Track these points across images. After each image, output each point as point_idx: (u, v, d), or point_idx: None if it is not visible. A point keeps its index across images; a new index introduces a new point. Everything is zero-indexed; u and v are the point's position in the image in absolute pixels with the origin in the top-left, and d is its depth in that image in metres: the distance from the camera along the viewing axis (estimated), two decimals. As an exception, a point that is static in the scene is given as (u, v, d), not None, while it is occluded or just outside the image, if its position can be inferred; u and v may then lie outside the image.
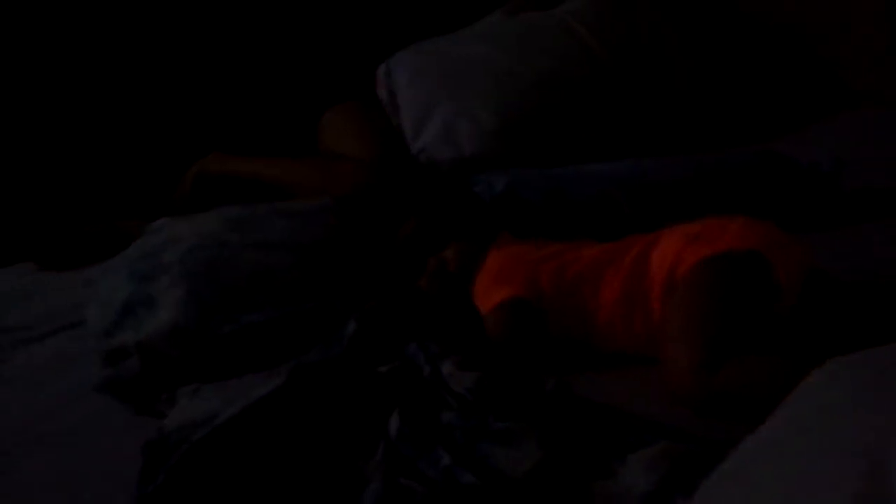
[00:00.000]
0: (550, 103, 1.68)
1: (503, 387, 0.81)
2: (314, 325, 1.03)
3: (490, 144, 1.63)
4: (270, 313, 1.05)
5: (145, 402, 1.01)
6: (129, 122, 1.80)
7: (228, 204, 1.32)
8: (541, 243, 1.10)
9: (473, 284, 1.07)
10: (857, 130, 1.74)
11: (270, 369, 0.90)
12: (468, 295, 1.07)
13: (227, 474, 0.76)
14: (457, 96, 1.68)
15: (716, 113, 1.78)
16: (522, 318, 1.00)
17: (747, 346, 0.87)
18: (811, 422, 0.47)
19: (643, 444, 0.73)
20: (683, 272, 0.93)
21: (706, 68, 1.84)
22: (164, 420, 0.87)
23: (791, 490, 0.43)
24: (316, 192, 1.42)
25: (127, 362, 1.06)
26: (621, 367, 0.96)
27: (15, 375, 1.20)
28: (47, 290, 1.49)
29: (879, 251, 1.17)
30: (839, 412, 0.46)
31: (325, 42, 1.89)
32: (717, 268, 0.91)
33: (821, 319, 0.94)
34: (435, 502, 0.68)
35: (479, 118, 1.65)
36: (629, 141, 1.66)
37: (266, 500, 0.75)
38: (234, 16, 1.84)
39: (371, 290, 1.11)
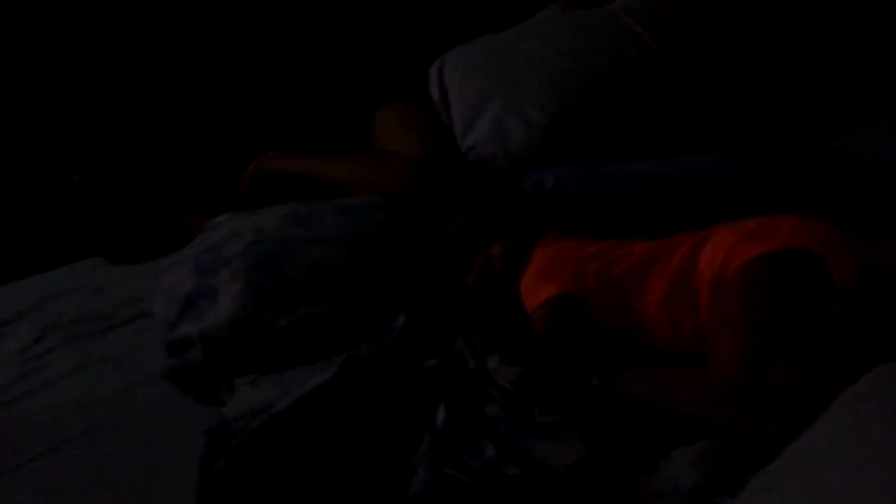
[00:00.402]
0: (602, 101, 1.66)
1: (547, 381, 0.83)
2: (366, 318, 1.06)
3: (540, 142, 1.63)
4: (325, 307, 1.09)
5: (206, 391, 1.06)
6: (194, 122, 1.88)
7: (285, 201, 1.37)
8: (587, 241, 1.11)
9: (520, 281, 1.08)
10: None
11: (324, 361, 0.94)
12: (514, 291, 1.08)
13: (282, 460, 0.80)
14: (508, 94, 1.69)
15: (773, 109, 1.73)
16: (568, 315, 1.00)
17: (798, 345, 0.86)
18: (852, 433, 0.47)
19: (688, 441, 0.74)
20: (733, 270, 0.92)
21: (765, 63, 1.78)
22: (223, 408, 0.91)
23: (838, 492, 0.44)
24: (370, 189, 1.45)
25: (189, 352, 1.12)
26: (667, 365, 0.96)
27: (88, 363, 1.27)
28: (117, 283, 1.57)
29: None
30: (880, 427, 0.45)
31: (379, 41, 1.92)
32: (769, 266, 0.90)
33: (874, 320, 0.92)
34: (480, 493, 0.70)
35: (530, 116, 1.65)
36: (684, 139, 1.62)
37: (318, 485, 0.79)
38: (293, 15, 1.89)
39: (420, 285, 1.13)
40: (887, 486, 0.41)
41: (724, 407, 0.84)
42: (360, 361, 0.88)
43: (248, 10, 1.86)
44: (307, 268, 1.15)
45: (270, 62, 1.88)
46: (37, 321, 1.45)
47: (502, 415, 0.79)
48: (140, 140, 1.86)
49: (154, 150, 1.86)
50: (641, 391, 0.87)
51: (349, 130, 1.79)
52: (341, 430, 0.82)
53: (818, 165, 1.29)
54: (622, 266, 1.02)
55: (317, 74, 1.90)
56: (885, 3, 1.83)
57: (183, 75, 1.85)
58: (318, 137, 1.81)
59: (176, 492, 0.84)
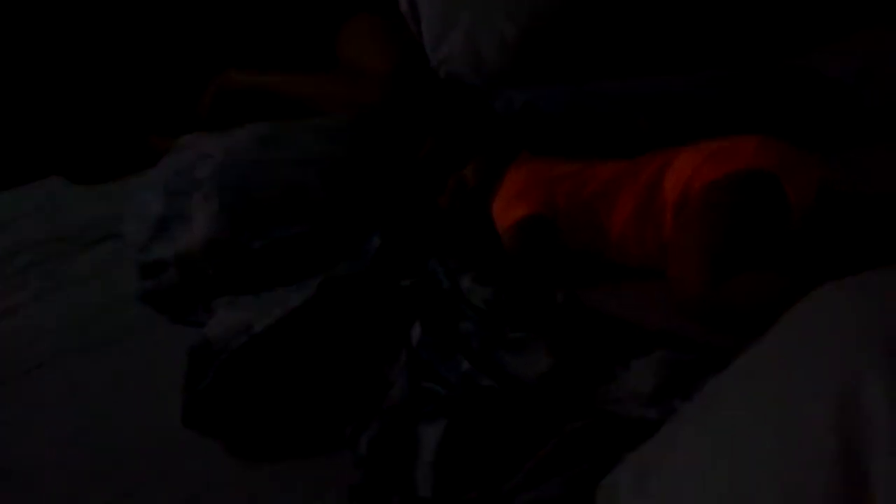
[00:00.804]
0: (575, 13, 1.63)
1: (517, 299, 0.87)
2: (341, 239, 1.08)
3: (512, 57, 1.61)
4: (300, 228, 1.10)
5: (182, 313, 1.08)
6: (153, 37, 1.79)
7: (250, 118, 1.34)
8: (559, 161, 1.13)
9: (492, 201, 1.11)
10: (890, 46, 1.68)
11: (300, 282, 0.96)
12: (487, 212, 1.10)
13: (265, 377, 0.83)
14: (479, 6, 1.65)
15: (741, 26, 1.72)
16: (538, 235, 1.04)
17: (756, 262, 0.91)
18: (798, 346, 0.51)
19: (646, 352, 0.79)
20: (695, 191, 0.96)
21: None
22: (204, 328, 0.94)
23: (772, 404, 0.48)
24: (339, 107, 1.43)
25: (164, 275, 1.13)
26: (631, 281, 1.00)
27: (57, 286, 1.27)
28: (80, 204, 1.54)
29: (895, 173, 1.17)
30: (823, 339, 0.50)
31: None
32: (727, 187, 0.94)
33: (831, 236, 0.97)
34: (455, 402, 0.75)
35: (502, 29, 1.62)
36: (655, 55, 1.62)
37: (300, 400, 0.83)
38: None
39: (394, 206, 1.15)
40: (818, 398, 0.45)
41: (683, 320, 0.89)
42: (337, 282, 0.90)
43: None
44: (280, 189, 1.15)
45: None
46: (5, 240, 1.43)
47: (475, 331, 0.83)
48: (98, 57, 1.78)
49: (113, 67, 1.79)
50: (606, 306, 0.91)
51: (315, 44, 1.74)
52: (321, 348, 0.85)
53: (783, 82, 1.31)
54: (591, 187, 1.05)
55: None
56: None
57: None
58: (283, 52, 1.76)
59: (160, 409, 0.88)
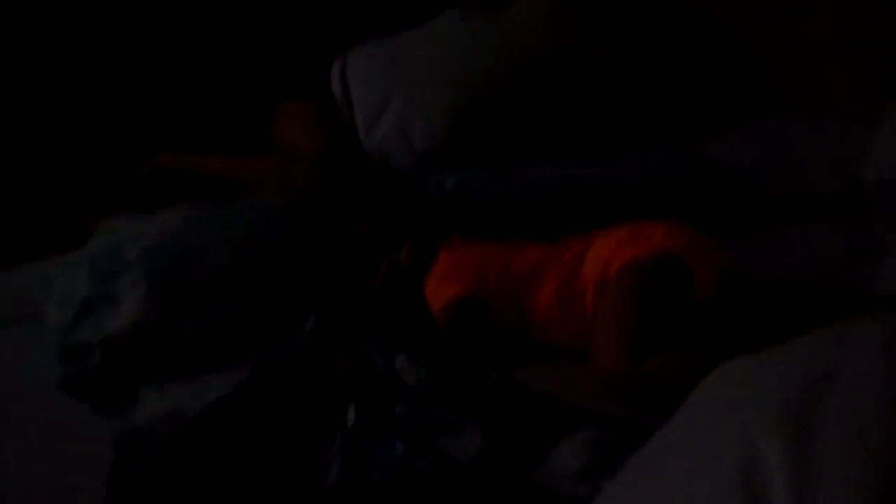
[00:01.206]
0: (500, 103, 1.75)
1: (451, 380, 0.89)
2: (274, 321, 1.09)
3: (442, 142, 1.70)
4: (233, 308, 1.10)
5: (105, 401, 1.04)
6: (83, 116, 1.79)
7: (178, 199, 1.35)
8: (487, 244, 1.19)
9: (425, 283, 1.15)
10: (782, 135, 1.88)
11: (232, 365, 0.96)
12: (420, 293, 1.14)
13: (197, 465, 0.81)
14: (409, 94, 1.74)
15: (657, 113, 1.90)
16: (468, 315, 1.08)
17: (669, 340, 0.97)
18: (702, 421, 0.57)
19: (575, 430, 0.83)
20: (612, 274, 1.03)
21: (648, 68, 1.95)
22: (130, 416, 0.91)
23: (683, 477, 0.53)
24: (272, 188, 1.46)
25: (87, 358, 1.09)
26: (558, 360, 1.05)
27: None
28: (-3, 285, 1.48)
29: (792, 253, 1.30)
30: (724, 413, 0.55)
31: (280, 37, 1.91)
32: (642, 271, 1.01)
33: (734, 316, 1.06)
34: (391, 486, 0.76)
35: (431, 115, 1.71)
36: (574, 140, 1.75)
37: (234, 486, 0.82)
38: (191, 10, 1.84)
39: (328, 288, 1.17)
40: (722, 467, 0.50)
41: (608, 398, 0.94)
42: (272, 364, 0.91)
43: (143, 4, 1.79)
44: (213, 271, 1.15)
45: (165, 56, 1.82)
46: None
47: (410, 413, 0.85)
48: (21, 133, 1.75)
49: (36, 142, 1.76)
50: (535, 384, 0.95)
51: (250, 126, 1.77)
52: (255, 433, 0.85)
53: (686, 172, 1.44)
54: (517, 269, 1.11)
55: (216, 67, 1.86)
56: (753, 14, 2.04)
57: (74, 66, 1.76)
58: (217, 133, 1.78)
59: (87, 499, 0.84)
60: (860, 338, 0.57)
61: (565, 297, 1.07)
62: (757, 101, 2.05)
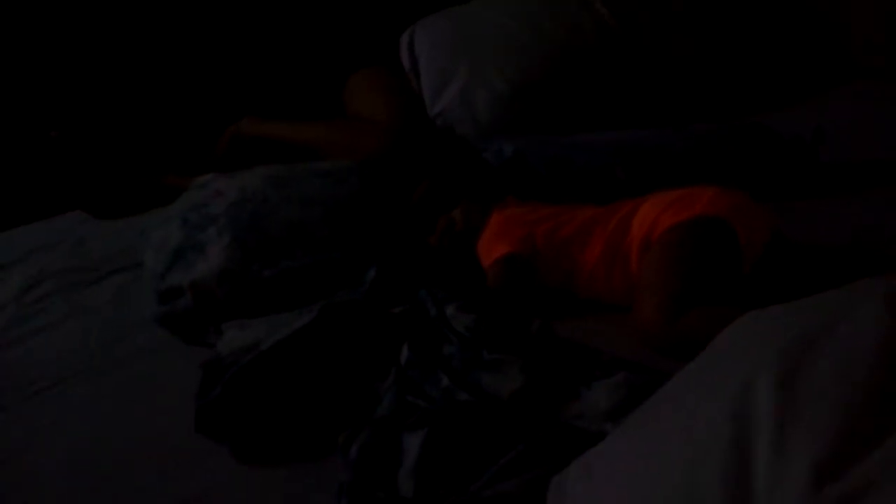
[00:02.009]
0: (561, 72, 1.78)
1: (496, 326, 0.97)
2: (341, 271, 1.19)
3: (503, 110, 1.75)
4: (305, 260, 1.21)
5: (195, 335, 1.18)
6: (173, 84, 1.93)
7: (261, 162, 1.47)
8: (539, 206, 1.25)
9: (479, 240, 1.22)
10: (856, 103, 1.82)
11: (304, 307, 1.07)
12: (472, 250, 1.22)
13: (270, 390, 0.93)
14: (473, 64, 1.79)
15: (724, 82, 1.87)
16: (516, 272, 1.15)
17: (710, 299, 1.01)
18: (710, 362, 0.62)
19: (608, 375, 0.89)
20: (658, 235, 1.07)
21: (716, 39, 1.91)
22: (215, 346, 1.04)
23: (686, 409, 0.59)
24: (343, 153, 1.56)
25: (179, 301, 1.23)
26: (600, 313, 1.11)
27: (78, 312, 1.35)
28: (100, 237, 1.65)
29: (845, 220, 1.29)
30: (730, 353, 0.60)
31: (352, 8, 1.99)
32: (686, 232, 1.05)
33: (778, 278, 1.08)
34: (436, 415, 0.85)
35: (494, 85, 1.76)
36: (637, 109, 1.76)
37: (302, 410, 0.93)
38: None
39: (389, 243, 1.26)
40: (718, 396, 0.56)
41: (643, 349, 1.00)
42: (337, 307, 1.01)
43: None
44: (286, 226, 1.27)
45: (248, 27, 1.94)
46: (25, 272, 1.50)
47: (456, 353, 0.94)
48: (119, 99, 1.91)
49: (133, 109, 1.92)
50: (576, 335, 1.02)
51: (324, 95, 1.88)
52: (321, 365, 0.96)
53: (744, 139, 1.44)
54: (566, 229, 1.17)
55: (292, 41, 1.96)
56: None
57: (162, 37, 1.90)
58: (294, 102, 1.90)
59: (168, 422, 0.97)
60: (867, 292, 0.60)
61: (611, 257, 1.12)
62: (837, 67, 1.98)
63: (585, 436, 0.80)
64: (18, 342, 1.29)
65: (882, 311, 0.56)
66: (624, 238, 1.12)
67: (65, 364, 1.19)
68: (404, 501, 0.78)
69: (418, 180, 1.31)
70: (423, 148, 1.61)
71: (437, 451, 0.81)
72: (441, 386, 0.89)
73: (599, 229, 1.14)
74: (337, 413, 0.91)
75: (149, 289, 1.29)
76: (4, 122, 1.88)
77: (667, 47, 1.85)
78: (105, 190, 1.77)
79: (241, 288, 1.19)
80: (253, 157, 1.62)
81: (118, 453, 0.96)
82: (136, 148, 1.89)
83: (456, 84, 1.79)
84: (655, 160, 1.42)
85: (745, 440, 0.51)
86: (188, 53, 1.91)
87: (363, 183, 1.37)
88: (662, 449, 0.57)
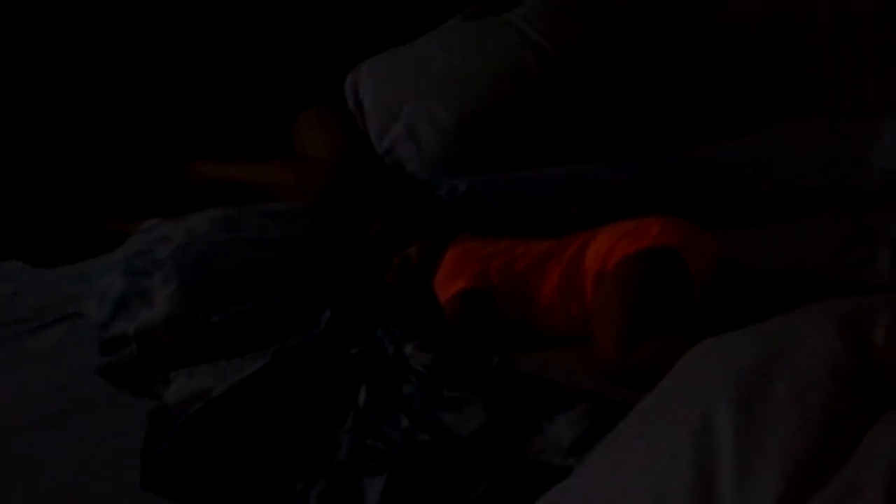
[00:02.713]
0: (505, 103, 1.82)
1: (455, 363, 0.96)
2: (294, 314, 1.17)
3: (450, 143, 1.77)
4: (256, 304, 1.18)
5: (141, 385, 1.13)
6: (112, 126, 1.89)
7: (209, 206, 1.44)
8: (493, 240, 1.25)
9: (434, 277, 1.22)
10: (791, 134, 1.91)
11: (256, 352, 1.04)
12: (429, 287, 1.21)
13: (222, 440, 0.89)
14: (418, 100, 1.80)
15: (667, 115, 1.94)
16: (474, 306, 1.15)
17: (664, 328, 1.03)
18: (671, 391, 0.63)
19: (569, 408, 0.89)
20: (611, 266, 1.09)
21: (658, 73, 1.99)
22: (163, 395, 1.00)
23: (646, 440, 0.58)
24: (292, 192, 1.54)
25: (124, 350, 1.18)
26: (559, 346, 1.11)
27: (17, 363, 1.30)
28: (38, 286, 1.58)
29: (788, 246, 1.34)
30: (689, 382, 0.61)
31: (300, 48, 2.00)
32: (639, 262, 1.07)
33: (727, 305, 1.10)
34: (395, 457, 0.82)
35: (439, 118, 1.78)
36: (582, 142, 1.80)
37: (254, 461, 0.89)
38: (213, 22, 1.94)
39: (343, 283, 1.24)
40: (680, 425, 0.56)
41: (602, 380, 1.00)
42: (291, 351, 0.98)
43: (171, 15, 1.90)
44: (237, 268, 1.24)
45: (192, 65, 1.92)
46: None
47: (416, 392, 0.92)
48: (55, 140, 1.86)
49: (72, 151, 1.87)
50: (535, 369, 1.02)
51: (272, 136, 1.87)
52: (274, 412, 0.92)
53: (688, 172, 1.49)
54: (522, 263, 1.17)
55: (238, 81, 1.95)
56: (765, 16, 2.06)
57: (101, 77, 1.87)
58: (241, 144, 1.88)
59: (120, 475, 0.92)
60: (819, 316, 0.62)
61: (567, 289, 1.13)
62: (771, 102, 2.08)
63: (550, 471, 0.78)
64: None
65: (833, 337, 0.58)
66: (578, 270, 1.13)
67: (5, 416, 1.13)
68: (366, 551, 0.75)
69: (371, 219, 1.31)
70: (371, 184, 1.61)
71: (398, 495, 0.78)
72: (401, 427, 0.87)
73: (554, 262, 1.16)
74: (294, 460, 0.88)
75: (91, 339, 1.24)
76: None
77: (609, 80, 1.91)
78: (41, 236, 1.70)
79: (189, 335, 1.15)
80: (200, 201, 1.59)
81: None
82: (76, 192, 1.83)
83: (402, 120, 1.81)
84: (605, 193, 1.45)
85: (708, 471, 0.51)
86: (130, 93, 1.88)
87: (315, 223, 1.36)
88: (627, 483, 0.56)
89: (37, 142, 1.85)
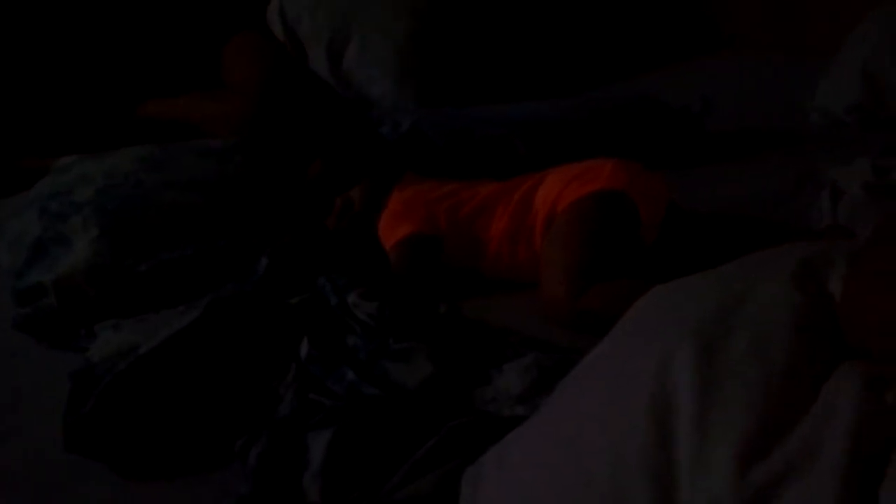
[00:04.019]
0: (447, 36, 1.78)
1: (401, 312, 0.92)
2: (228, 261, 1.10)
3: (394, 75, 1.70)
4: (186, 251, 1.10)
5: (63, 339, 1.05)
6: (28, 61, 1.73)
7: (135, 143, 1.33)
8: (441, 182, 1.20)
9: (378, 221, 1.16)
10: (734, 72, 1.91)
11: (188, 303, 0.97)
12: (373, 232, 1.16)
13: (152, 399, 0.84)
14: (366, 19, 1.74)
15: (601, 50, 1.93)
16: (421, 252, 1.11)
17: (614, 272, 1.01)
18: (627, 335, 0.61)
19: (518, 356, 0.87)
20: (561, 209, 1.06)
21: (594, 8, 1.96)
22: (87, 352, 0.93)
23: (606, 387, 0.57)
24: (219, 125, 1.45)
25: (42, 301, 1.09)
26: (507, 292, 1.09)
27: None
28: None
29: (735, 188, 1.35)
30: (647, 327, 0.59)
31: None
32: (588, 206, 1.05)
33: (677, 248, 1.10)
34: (341, 412, 0.79)
35: (395, 33, 1.71)
36: (521, 76, 1.78)
37: (189, 419, 0.85)
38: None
39: (282, 228, 1.18)
40: (639, 370, 0.54)
41: (551, 326, 0.98)
42: (225, 301, 0.92)
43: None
44: (165, 213, 1.15)
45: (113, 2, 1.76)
46: None
47: (361, 343, 0.88)
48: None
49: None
50: (483, 316, 0.99)
51: (198, 69, 1.74)
52: (209, 367, 0.87)
53: (636, 112, 1.46)
54: (469, 206, 1.13)
55: (160, 16, 1.80)
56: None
57: (17, 10, 1.69)
58: (167, 79, 1.75)
59: (45, 439, 0.86)
60: (775, 265, 0.60)
61: (516, 233, 1.10)
62: (697, 37, 2.07)
63: (500, 421, 0.77)
64: None
65: (791, 287, 0.57)
66: (527, 214, 1.10)
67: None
68: (311, 508, 0.72)
69: (311, 158, 1.23)
70: (302, 117, 1.52)
71: (344, 450, 0.75)
72: (346, 380, 0.83)
73: (502, 206, 1.12)
74: (232, 418, 0.83)
75: (4, 288, 1.14)
76: None
77: (547, 17, 1.87)
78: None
79: (115, 285, 1.07)
80: (131, 138, 1.47)
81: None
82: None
83: (355, 43, 1.74)
84: (553, 133, 1.41)
85: (667, 426, 0.50)
86: (46, 29, 1.70)
87: (249, 161, 1.27)
88: (582, 435, 0.55)
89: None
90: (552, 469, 0.55)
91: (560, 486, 0.54)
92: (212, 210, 1.18)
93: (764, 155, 1.48)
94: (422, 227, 1.11)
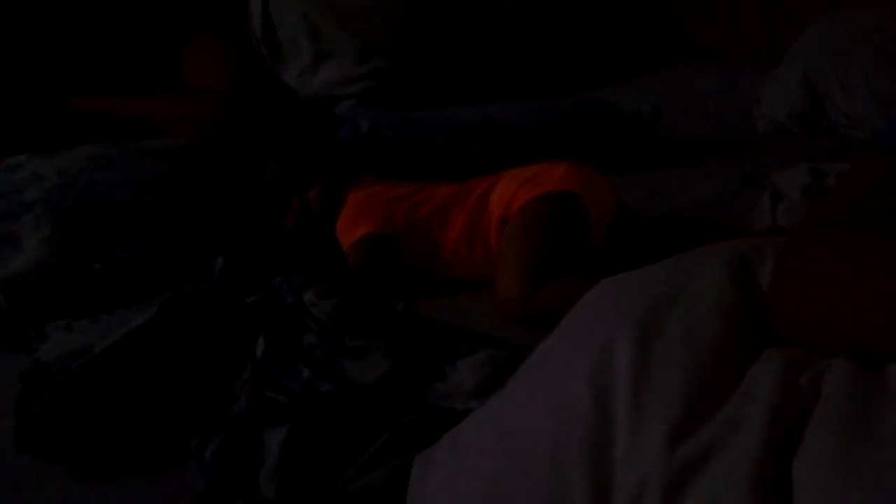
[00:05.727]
0: (409, 40, 1.80)
1: (358, 311, 0.94)
2: (184, 261, 1.09)
3: (354, 76, 1.73)
4: (141, 250, 1.09)
5: (12, 340, 1.04)
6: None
7: (89, 142, 1.31)
8: (398, 184, 1.22)
9: (336, 221, 1.17)
10: (685, 81, 1.98)
11: (142, 303, 0.97)
12: (331, 231, 1.17)
13: (106, 397, 0.83)
14: (328, 30, 1.75)
15: (573, 62, 1.97)
16: (378, 252, 1.12)
17: (565, 271, 1.05)
18: (570, 327, 0.63)
19: (472, 353, 0.89)
20: (514, 211, 1.09)
21: (558, 17, 2.00)
22: (38, 352, 0.91)
23: (547, 377, 0.59)
24: (181, 127, 1.43)
25: (-10, 300, 1.07)
26: (463, 292, 1.12)
27: None
28: None
29: (682, 191, 1.40)
30: (588, 319, 0.62)
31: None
32: (541, 207, 1.08)
33: (625, 249, 1.14)
34: (296, 409, 0.80)
35: (345, 51, 1.73)
36: (481, 83, 1.81)
37: (143, 418, 0.84)
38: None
39: (239, 227, 1.18)
40: (579, 361, 0.56)
41: (505, 324, 1.01)
42: (180, 301, 0.92)
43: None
44: (119, 212, 1.14)
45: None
46: None
47: (318, 342, 0.89)
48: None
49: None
50: (441, 315, 1.01)
51: (159, 68, 1.72)
52: (164, 367, 0.87)
53: (590, 117, 1.51)
54: (427, 207, 1.15)
55: (120, 11, 1.77)
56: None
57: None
58: (126, 77, 1.72)
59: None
60: (711, 258, 0.64)
61: (472, 234, 1.12)
62: (666, 48, 2.14)
63: (453, 416, 0.79)
64: None
65: (723, 279, 0.60)
66: (482, 215, 1.13)
67: None
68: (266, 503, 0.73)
69: (268, 158, 1.23)
70: (268, 118, 1.52)
71: (300, 447, 0.76)
72: (301, 378, 0.84)
73: (458, 207, 1.14)
74: (188, 416, 0.83)
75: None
76: None
77: (511, 24, 1.91)
78: None
79: (67, 285, 1.06)
80: (83, 136, 1.44)
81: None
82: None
83: (309, 51, 1.74)
84: (509, 137, 1.45)
85: (607, 410, 0.52)
86: (8, 23, 1.65)
87: (204, 162, 1.26)
88: (528, 420, 0.57)
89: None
90: (499, 452, 0.57)
91: (506, 466, 0.56)
92: (167, 210, 1.17)
93: (711, 160, 1.54)
94: (380, 228, 1.13)
